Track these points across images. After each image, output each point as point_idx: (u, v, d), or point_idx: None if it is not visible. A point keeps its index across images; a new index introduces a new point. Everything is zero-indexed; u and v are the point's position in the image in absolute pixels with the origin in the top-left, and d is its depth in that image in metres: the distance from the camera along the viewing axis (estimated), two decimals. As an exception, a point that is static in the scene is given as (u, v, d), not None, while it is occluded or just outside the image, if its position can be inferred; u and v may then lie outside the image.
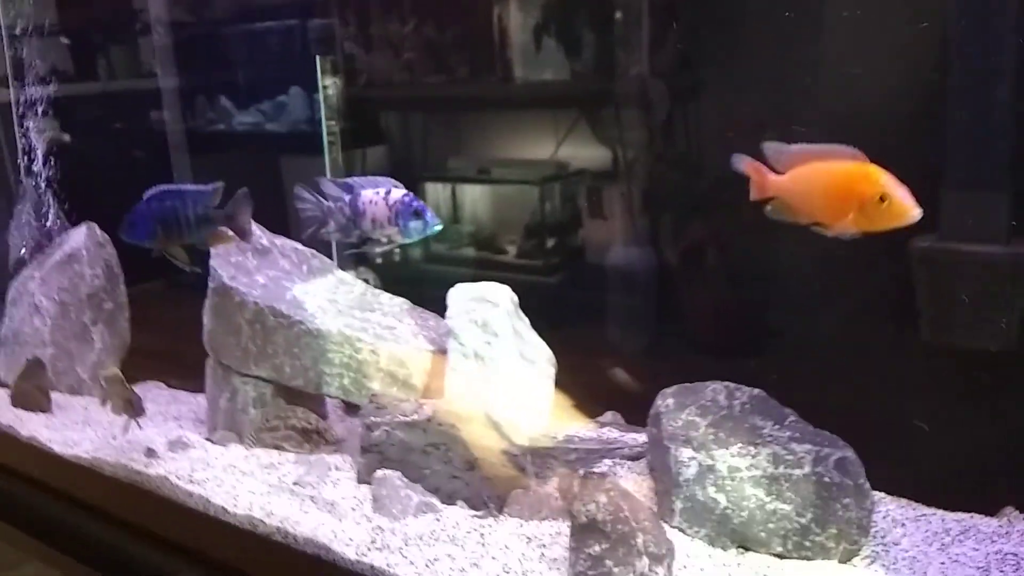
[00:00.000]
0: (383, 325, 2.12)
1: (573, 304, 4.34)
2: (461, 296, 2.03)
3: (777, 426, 1.85)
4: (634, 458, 2.02)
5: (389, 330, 2.11)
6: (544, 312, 4.89)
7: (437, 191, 5.46)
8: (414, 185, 5.98)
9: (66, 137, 5.55)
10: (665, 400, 1.92)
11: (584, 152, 5.16)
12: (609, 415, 2.24)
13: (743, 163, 1.62)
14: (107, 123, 5.67)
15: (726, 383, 1.93)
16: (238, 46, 6.22)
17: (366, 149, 5.72)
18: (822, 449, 1.80)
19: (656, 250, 4.69)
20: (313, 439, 2.06)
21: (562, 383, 2.13)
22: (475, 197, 5.55)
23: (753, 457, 1.79)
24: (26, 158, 2.94)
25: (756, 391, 1.92)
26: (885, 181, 1.38)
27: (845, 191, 1.42)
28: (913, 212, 1.35)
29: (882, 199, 1.37)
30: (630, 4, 4.42)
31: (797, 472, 1.77)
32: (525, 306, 4.95)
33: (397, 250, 5.95)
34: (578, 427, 2.12)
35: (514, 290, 5.41)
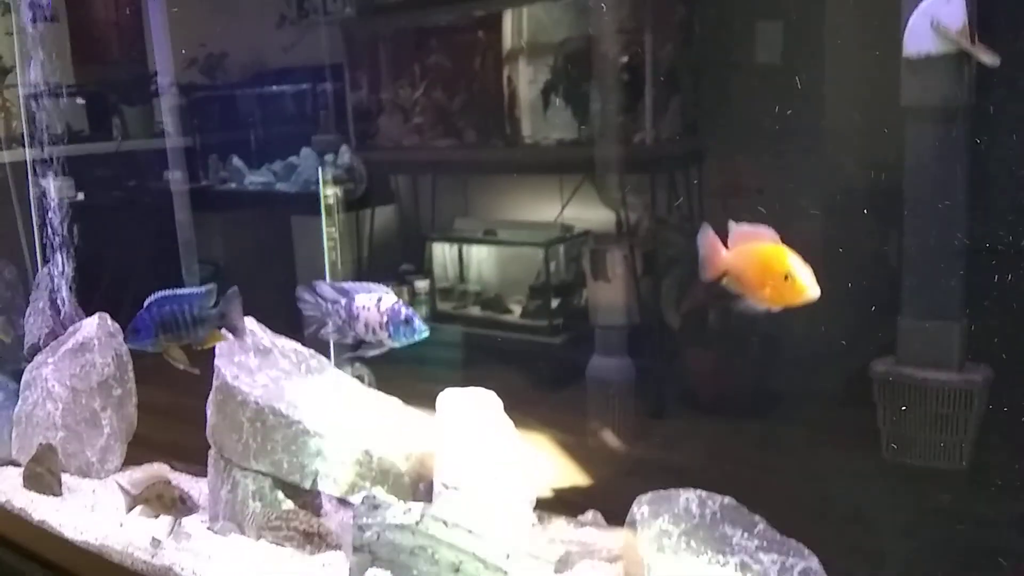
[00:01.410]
0: (375, 426, 2.23)
1: (578, 365, 4.45)
2: (449, 400, 2.15)
3: (746, 534, 1.95)
4: (611, 560, 2.11)
5: (381, 431, 2.22)
6: (548, 372, 5.01)
7: (444, 251, 5.62)
8: (422, 245, 6.12)
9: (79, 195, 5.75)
10: (640, 507, 2.02)
11: (588, 214, 5.31)
12: (590, 514, 2.34)
13: (705, 238, 1.74)
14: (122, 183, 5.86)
15: (699, 491, 2.03)
16: (252, 107, 6.43)
17: (375, 209, 5.90)
18: (787, 559, 1.90)
19: (658, 310, 4.80)
20: (315, 541, 2.17)
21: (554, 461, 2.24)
22: (481, 258, 5.69)
23: (722, 566, 1.89)
24: (45, 238, 3.08)
25: (727, 499, 2.02)
26: (791, 261, 1.53)
27: (762, 268, 1.57)
28: (811, 292, 1.49)
29: (786, 277, 1.51)
30: (636, 71, 4.58)
31: (763, 583, 1.87)
32: (530, 366, 5.05)
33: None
34: (558, 528, 2.22)
35: (518, 350, 5.51)
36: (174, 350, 2.06)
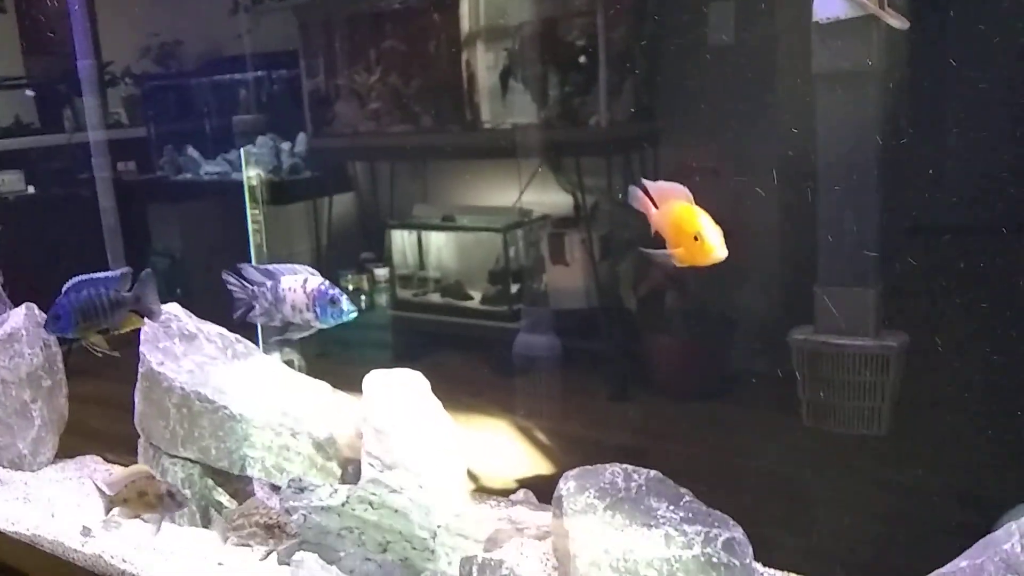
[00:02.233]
0: (302, 410, 2.21)
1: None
2: (375, 382, 2.13)
3: (671, 507, 1.95)
4: (541, 538, 2.11)
5: (308, 414, 2.20)
6: (508, 357, 5.00)
7: (403, 238, 5.57)
8: (380, 232, 6.07)
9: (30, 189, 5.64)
10: (567, 483, 2.01)
11: (547, 198, 5.28)
12: (521, 493, 2.33)
13: (636, 198, 1.72)
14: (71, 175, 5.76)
15: (624, 466, 2.03)
16: (207, 96, 6.35)
17: (333, 197, 5.84)
18: (711, 530, 1.89)
19: (617, 295, 4.81)
20: (276, 533, 2.14)
21: (487, 446, 2.23)
22: (440, 244, 5.65)
23: (647, 539, 1.88)
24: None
25: (653, 473, 2.01)
26: (701, 222, 1.51)
27: (675, 228, 1.56)
28: (719, 253, 1.48)
29: (696, 238, 1.50)
30: (592, 55, 4.56)
31: (687, 553, 1.86)
32: (490, 352, 5.03)
33: (363, 298, 5.99)
34: (488, 507, 2.21)
35: (479, 336, 5.48)
36: (93, 335, 2.03)
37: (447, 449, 2.13)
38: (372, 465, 2.05)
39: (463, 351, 5.12)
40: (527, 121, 4.78)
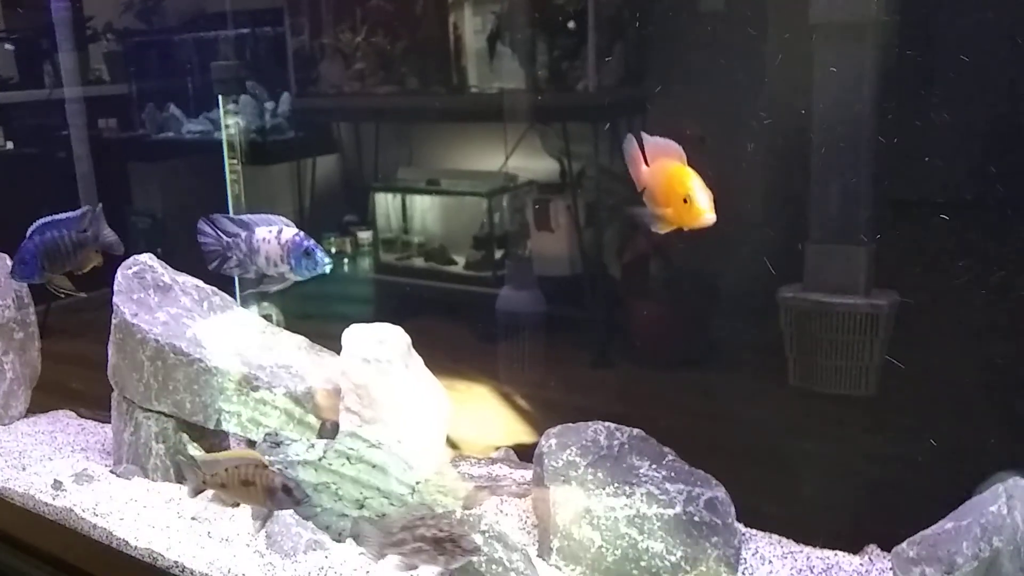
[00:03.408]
0: (280, 363, 2.17)
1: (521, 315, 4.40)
2: (355, 336, 2.08)
3: (654, 466, 1.92)
4: (521, 496, 2.08)
5: (286, 368, 2.16)
6: (492, 323, 4.95)
7: (387, 201, 5.49)
8: (364, 195, 5.97)
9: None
10: (548, 440, 1.98)
11: (533, 163, 5.21)
12: (502, 451, 2.30)
13: (629, 151, 1.65)
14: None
15: (607, 423, 2.00)
16: (190, 53, 6.21)
17: (316, 159, 5.75)
18: (693, 489, 1.87)
19: (602, 262, 4.76)
20: (448, 549, 1.97)
21: (469, 411, 2.21)
22: (425, 208, 5.58)
23: (628, 497, 1.86)
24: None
25: (636, 431, 1.98)
26: (691, 184, 1.47)
27: (666, 188, 1.51)
28: (707, 216, 1.43)
29: (685, 200, 1.45)
30: (581, 19, 4.47)
31: (669, 512, 1.84)
32: (474, 317, 4.99)
33: (346, 261, 5.91)
34: (469, 464, 2.18)
35: (462, 301, 5.43)
36: (58, 278, 1.98)
37: (428, 405, 2.09)
38: (351, 420, 2.01)
39: (446, 316, 5.07)
40: (514, 85, 4.70)
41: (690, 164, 1.56)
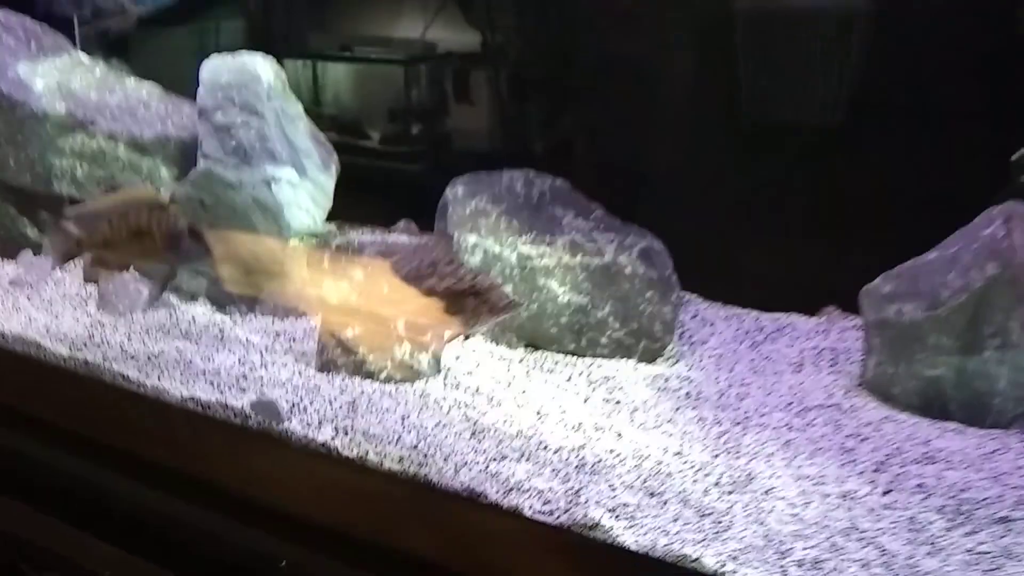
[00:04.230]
0: (124, 109, 1.76)
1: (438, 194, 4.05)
2: (215, 70, 1.68)
3: (580, 218, 1.60)
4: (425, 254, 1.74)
5: (131, 115, 1.75)
6: (407, 201, 4.54)
7: (296, 69, 5.00)
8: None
9: None
10: (454, 188, 1.64)
11: (453, 35, 4.78)
12: (402, 223, 1.96)
13: None
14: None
15: (528, 171, 1.67)
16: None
17: (220, 23, 5.20)
18: (626, 238, 1.56)
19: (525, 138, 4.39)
20: (471, 306, 1.48)
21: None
22: (337, 77, 5.11)
23: (548, 245, 1.54)
24: None
25: (559, 181, 1.66)
26: None
27: None
28: None
29: None
30: None
31: (596, 261, 1.53)
32: (389, 195, 4.59)
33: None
34: (363, 234, 1.83)
35: (377, 178, 5.03)
36: None
37: (309, 157, 1.72)
38: (206, 156, 1.62)
39: (360, 194, 4.64)
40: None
41: None
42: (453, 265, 1.23)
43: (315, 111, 5.14)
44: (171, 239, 1.29)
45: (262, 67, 1.68)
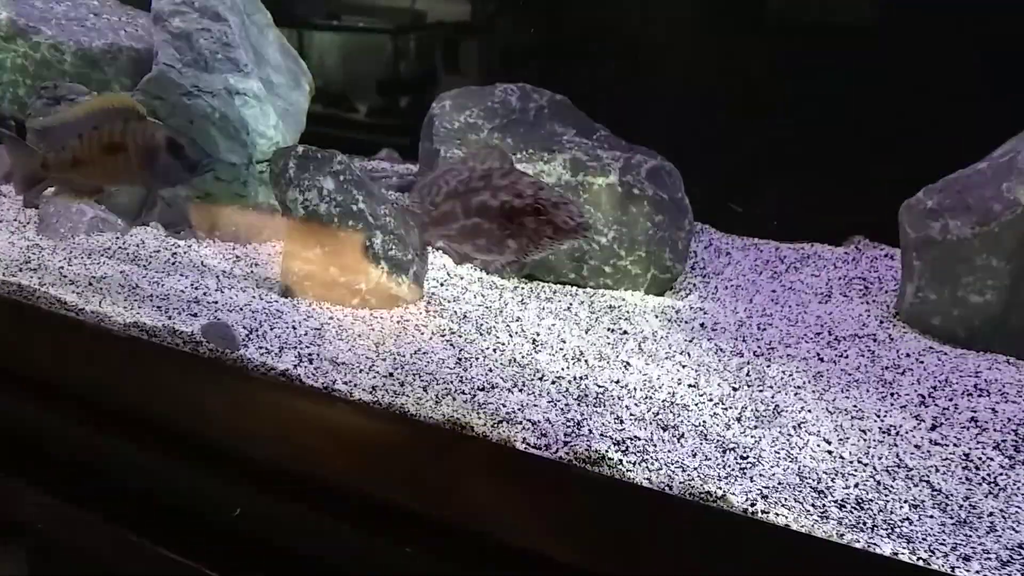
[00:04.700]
0: (73, 17, 1.58)
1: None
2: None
3: (581, 136, 1.43)
4: (403, 188, 1.58)
5: (80, 23, 1.57)
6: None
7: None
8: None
9: None
10: (442, 103, 1.47)
11: (441, 4, 4.59)
12: (384, 152, 1.80)
13: None
14: None
15: (525, 85, 1.50)
16: None
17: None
18: (633, 156, 1.40)
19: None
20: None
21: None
22: (323, 47, 4.92)
23: (546, 163, 1.37)
24: None
25: (559, 96, 1.49)
26: None
27: None
28: None
29: None
30: None
31: (600, 181, 1.36)
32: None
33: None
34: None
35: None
36: None
37: (279, 71, 1.54)
38: (169, 78, 1.44)
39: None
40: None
41: None
42: (511, 177, 1.00)
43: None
44: (149, 155, 1.13)
45: (224, -31, 1.50)
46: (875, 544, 0.82)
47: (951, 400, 1.06)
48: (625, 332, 1.20)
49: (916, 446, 0.98)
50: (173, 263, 1.29)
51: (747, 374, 1.10)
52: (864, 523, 0.84)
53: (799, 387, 1.08)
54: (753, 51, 1.53)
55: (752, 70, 1.55)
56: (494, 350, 1.12)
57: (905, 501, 0.88)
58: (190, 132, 1.36)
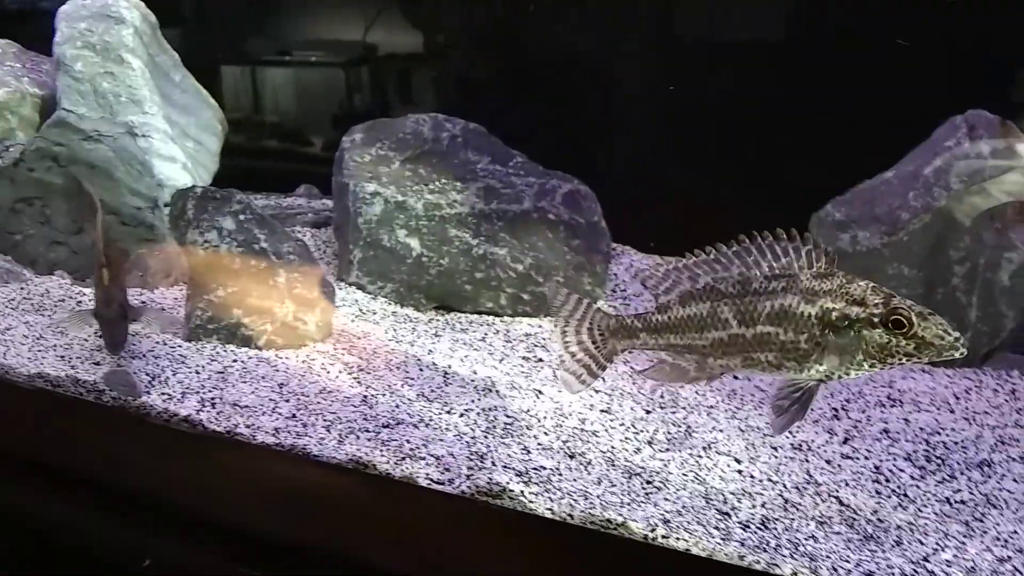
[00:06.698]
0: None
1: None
2: (71, 15, 1.47)
3: (496, 164, 1.42)
4: (319, 225, 1.55)
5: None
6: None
7: (235, 75, 4.78)
8: (214, 68, 5.21)
9: None
10: (352, 136, 1.45)
11: (394, 37, 4.59)
12: (303, 188, 1.77)
13: None
14: None
15: (438, 115, 1.49)
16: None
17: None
18: (548, 182, 1.39)
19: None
20: None
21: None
22: (276, 83, 4.90)
23: (459, 193, 1.36)
24: None
25: (473, 125, 1.48)
26: None
27: None
28: None
29: None
30: None
31: (515, 208, 1.35)
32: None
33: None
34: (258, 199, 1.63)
35: (318, 186, 4.88)
36: None
37: (187, 109, 1.52)
38: (73, 120, 1.41)
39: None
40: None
41: None
42: (836, 281, 0.90)
43: (256, 120, 4.91)
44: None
45: (126, 8, 1.48)
46: (775, 565, 0.80)
47: (863, 412, 1.05)
48: (540, 360, 1.18)
49: (827, 461, 0.97)
50: (78, 312, 1.25)
51: (661, 396, 1.09)
52: (767, 543, 0.83)
53: (711, 407, 1.06)
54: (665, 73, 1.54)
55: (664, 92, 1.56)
56: (402, 385, 1.09)
57: (812, 518, 0.87)
58: (91, 178, 1.33)
